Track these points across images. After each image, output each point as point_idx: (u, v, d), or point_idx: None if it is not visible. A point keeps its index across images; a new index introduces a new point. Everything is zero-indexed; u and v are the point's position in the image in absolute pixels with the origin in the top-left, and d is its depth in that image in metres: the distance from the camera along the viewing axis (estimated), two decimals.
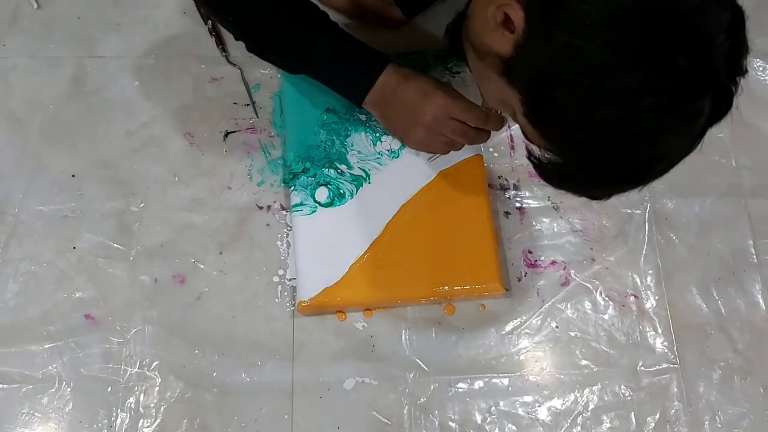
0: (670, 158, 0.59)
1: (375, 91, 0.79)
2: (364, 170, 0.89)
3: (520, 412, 0.83)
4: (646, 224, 0.93)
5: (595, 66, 0.53)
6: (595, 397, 0.84)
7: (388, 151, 0.90)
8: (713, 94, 0.54)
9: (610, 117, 0.54)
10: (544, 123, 0.59)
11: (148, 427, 0.79)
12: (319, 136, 0.90)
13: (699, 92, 0.53)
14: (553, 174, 0.62)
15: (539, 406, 0.83)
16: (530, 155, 0.63)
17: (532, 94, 0.59)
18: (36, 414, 0.79)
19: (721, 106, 0.56)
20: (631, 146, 0.57)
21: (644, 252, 0.91)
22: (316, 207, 0.87)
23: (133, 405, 0.80)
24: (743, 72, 0.56)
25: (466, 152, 0.89)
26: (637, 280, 0.90)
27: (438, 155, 0.87)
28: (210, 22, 0.98)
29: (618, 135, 0.56)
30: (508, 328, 0.86)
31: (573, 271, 0.90)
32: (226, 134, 0.93)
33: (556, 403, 0.83)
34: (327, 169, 0.89)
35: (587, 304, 0.88)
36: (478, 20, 0.66)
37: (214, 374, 0.82)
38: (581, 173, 0.61)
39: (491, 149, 0.95)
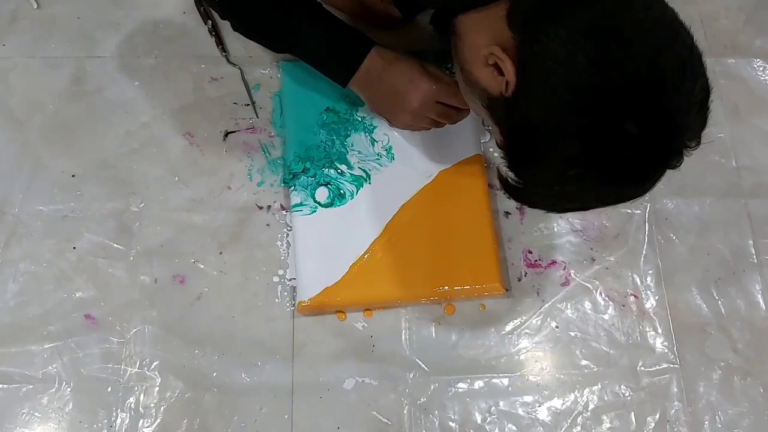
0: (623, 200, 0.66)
1: (360, 74, 0.80)
2: (364, 170, 0.89)
3: (520, 412, 0.83)
4: (646, 224, 0.93)
5: (559, 130, 0.57)
6: (595, 397, 0.84)
7: (387, 151, 0.90)
8: (665, 161, 0.58)
9: (568, 177, 0.58)
10: (517, 167, 0.63)
11: (148, 427, 0.79)
12: (319, 136, 0.90)
13: (653, 166, 0.58)
14: (514, 194, 0.65)
15: (539, 406, 0.83)
16: (498, 173, 0.66)
17: (510, 140, 0.63)
18: (36, 414, 0.79)
19: (668, 169, 0.59)
20: (584, 204, 0.65)
21: (644, 252, 0.91)
22: (316, 207, 0.87)
23: (133, 405, 0.80)
24: (699, 142, 0.60)
25: (466, 152, 0.89)
26: (637, 280, 0.90)
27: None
28: (210, 21, 0.98)
29: (573, 196, 0.61)
30: (508, 328, 0.86)
31: (573, 271, 0.90)
32: (226, 134, 0.93)
33: (556, 403, 0.83)
34: (327, 169, 0.89)
35: (587, 304, 0.88)
36: (468, 49, 0.68)
37: (214, 374, 0.82)
38: (540, 205, 0.67)
39: (491, 149, 0.95)
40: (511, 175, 0.63)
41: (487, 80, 0.64)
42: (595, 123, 0.54)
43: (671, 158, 0.57)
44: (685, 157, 0.58)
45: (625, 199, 0.64)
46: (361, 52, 0.79)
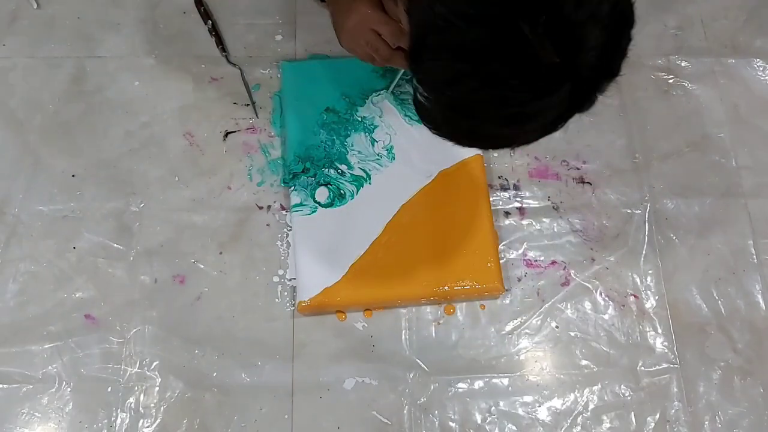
0: (520, 132, 0.59)
1: None
2: (364, 170, 0.89)
3: (520, 412, 0.83)
4: (646, 224, 0.93)
5: (456, 21, 0.53)
6: (595, 397, 0.84)
7: (388, 151, 0.90)
8: (572, 84, 0.53)
9: (458, 73, 0.55)
10: (414, 62, 0.59)
11: (148, 427, 0.79)
12: (319, 136, 0.90)
13: (552, 78, 0.52)
14: (424, 113, 0.62)
15: (539, 406, 0.83)
16: (415, 94, 0.63)
17: (414, 36, 0.59)
18: (36, 414, 0.79)
19: (580, 98, 0.55)
20: (481, 122, 0.58)
21: (644, 252, 0.91)
22: (316, 207, 0.87)
23: (133, 405, 0.80)
24: (613, 74, 0.54)
25: (466, 152, 0.89)
26: (637, 280, 0.90)
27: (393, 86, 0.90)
28: (210, 22, 0.98)
29: (460, 93, 0.56)
30: (508, 328, 0.86)
31: (573, 271, 0.90)
32: (226, 134, 0.93)
33: (556, 403, 0.83)
34: (327, 169, 0.89)
35: (587, 304, 0.88)
36: None
37: (214, 374, 0.82)
38: (444, 123, 0.62)
39: (491, 149, 0.95)
40: (420, 90, 0.60)
41: None
42: (488, 17, 0.51)
43: (572, 76, 0.52)
44: (598, 96, 0.54)
45: (525, 121, 0.56)
46: None
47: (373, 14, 0.78)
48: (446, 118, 0.61)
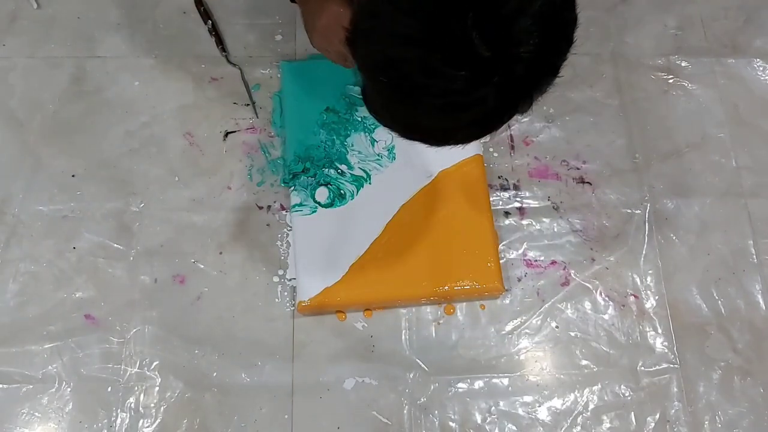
0: (455, 125, 0.58)
1: None
2: (364, 170, 0.89)
3: (520, 412, 0.83)
4: (646, 224, 0.93)
5: (389, 8, 0.54)
6: (595, 397, 0.84)
7: (389, 151, 0.90)
8: (499, 81, 0.52)
9: (390, 59, 0.55)
10: (353, 45, 0.59)
11: (148, 427, 0.79)
12: (319, 136, 0.90)
13: (482, 68, 0.51)
14: (368, 102, 0.63)
15: (539, 406, 0.83)
16: (363, 86, 0.63)
17: (353, 21, 0.59)
18: (36, 414, 0.79)
19: (513, 95, 0.54)
20: (408, 95, 0.56)
21: (644, 252, 0.91)
22: (316, 207, 0.87)
23: (133, 405, 0.80)
24: (550, 73, 0.54)
25: (466, 152, 0.89)
26: (637, 280, 0.90)
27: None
28: (210, 21, 0.98)
29: (394, 80, 0.56)
30: (508, 328, 0.86)
31: (573, 271, 0.90)
32: (226, 134, 0.93)
33: (556, 403, 0.83)
34: (327, 169, 0.89)
35: (587, 304, 0.88)
36: None
37: (214, 374, 0.82)
38: (383, 110, 0.62)
39: (491, 149, 0.95)
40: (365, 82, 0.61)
41: None
42: (419, 8, 0.51)
43: (503, 70, 0.51)
44: (535, 97, 0.54)
45: (458, 111, 0.55)
46: None
47: (345, 12, 0.77)
48: (384, 106, 0.61)
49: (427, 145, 0.66)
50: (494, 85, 0.52)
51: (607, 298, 0.89)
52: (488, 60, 0.50)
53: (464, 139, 0.60)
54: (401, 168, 0.89)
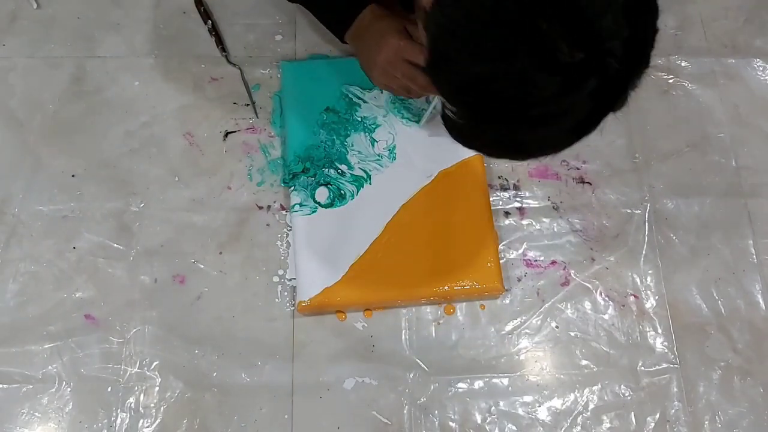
0: (550, 135, 0.57)
1: (353, 27, 0.81)
2: (365, 171, 0.89)
3: (520, 412, 0.83)
4: (646, 224, 0.93)
5: (474, 26, 0.52)
6: (595, 397, 0.84)
7: (390, 151, 0.90)
8: (599, 80, 0.51)
9: (481, 77, 0.54)
10: (436, 71, 0.59)
11: (148, 427, 0.79)
12: (319, 136, 0.90)
13: (577, 72, 0.51)
14: (452, 126, 0.62)
15: (539, 406, 0.83)
16: (443, 110, 0.62)
17: (431, 49, 0.58)
18: (36, 414, 0.79)
19: (609, 95, 0.53)
20: (500, 112, 0.56)
21: (644, 252, 0.91)
22: (316, 207, 0.87)
23: (133, 405, 0.80)
24: (643, 63, 0.53)
25: (466, 152, 0.89)
26: (637, 280, 0.90)
27: (426, 118, 0.89)
28: (210, 21, 0.98)
29: (485, 98, 0.55)
30: (508, 328, 0.86)
31: (573, 271, 0.90)
32: (226, 134, 0.93)
33: (556, 403, 0.83)
34: (327, 169, 0.89)
35: (587, 304, 0.88)
36: None
37: (214, 374, 0.82)
38: (473, 135, 0.61)
39: None
40: (446, 105, 0.60)
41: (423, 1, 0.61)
42: (504, 17, 0.50)
43: (597, 70, 0.51)
44: (628, 93, 0.53)
45: (552, 121, 0.55)
46: (356, 8, 0.81)
47: (405, 45, 0.77)
48: (474, 129, 0.60)
49: (516, 161, 0.64)
50: (589, 87, 0.51)
51: (607, 298, 0.89)
52: (580, 62, 0.49)
53: (559, 147, 0.58)
54: (401, 168, 0.89)
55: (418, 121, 0.91)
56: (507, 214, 0.92)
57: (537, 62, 0.50)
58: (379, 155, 0.90)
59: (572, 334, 0.86)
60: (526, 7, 0.49)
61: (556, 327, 0.87)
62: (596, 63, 0.50)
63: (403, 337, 0.85)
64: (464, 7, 0.53)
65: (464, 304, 0.87)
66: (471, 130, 0.61)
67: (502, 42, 0.51)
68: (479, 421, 0.82)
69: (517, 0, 0.50)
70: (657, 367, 0.86)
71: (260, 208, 0.89)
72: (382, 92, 0.93)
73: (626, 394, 0.84)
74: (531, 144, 0.59)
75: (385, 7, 0.81)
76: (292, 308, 0.85)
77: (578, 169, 0.95)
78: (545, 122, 0.54)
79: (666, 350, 0.86)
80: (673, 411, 0.84)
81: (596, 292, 0.89)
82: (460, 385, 0.83)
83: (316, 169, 0.89)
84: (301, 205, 0.87)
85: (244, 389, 0.81)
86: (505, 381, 0.84)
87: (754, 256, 0.92)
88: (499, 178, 0.94)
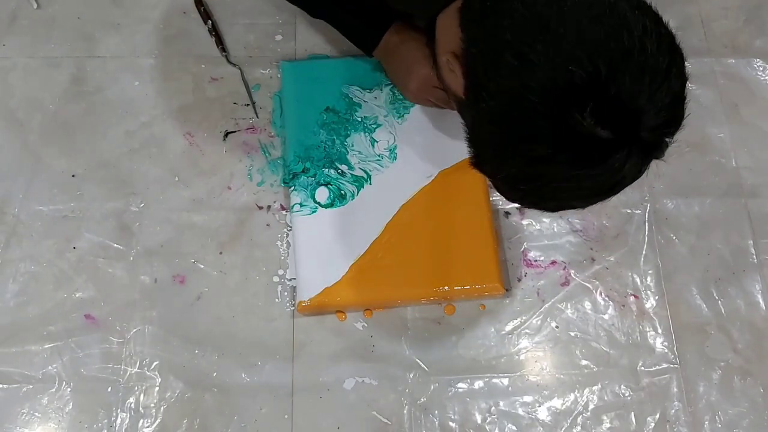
0: (600, 195, 0.59)
1: (381, 46, 0.86)
2: (365, 171, 0.89)
3: (520, 412, 0.83)
4: (646, 224, 0.93)
5: (507, 138, 0.56)
6: (595, 397, 0.84)
7: (391, 151, 0.90)
8: (634, 152, 0.54)
9: (527, 177, 0.57)
10: (479, 165, 0.63)
11: (148, 427, 0.79)
12: (319, 136, 0.90)
13: (612, 153, 0.53)
14: (508, 197, 0.66)
15: (539, 406, 0.83)
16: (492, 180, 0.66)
17: (471, 140, 0.63)
18: (36, 414, 0.79)
19: (648, 155, 0.56)
20: (543, 200, 0.61)
21: (644, 252, 0.91)
22: (316, 207, 0.87)
23: (133, 405, 0.80)
24: (677, 126, 0.55)
25: (466, 152, 0.89)
26: (637, 280, 0.90)
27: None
28: (210, 21, 0.98)
29: (536, 188, 0.58)
30: (508, 328, 0.86)
31: (573, 271, 0.90)
32: (226, 134, 0.93)
33: (556, 403, 0.83)
34: (327, 169, 0.89)
35: (587, 304, 0.88)
36: (438, 53, 0.71)
37: (214, 374, 0.82)
38: (528, 204, 0.67)
39: None
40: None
41: (452, 83, 0.65)
42: (535, 124, 0.53)
43: (634, 142, 0.53)
44: (667, 145, 0.55)
45: (602, 193, 0.58)
46: (381, 27, 0.84)
47: (434, 75, 0.80)
48: (530, 202, 0.64)
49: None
50: (633, 158, 0.53)
51: (607, 298, 0.89)
52: (618, 142, 0.52)
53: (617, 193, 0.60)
54: (401, 168, 0.89)
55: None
56: (507, 214, 0.92)
57: (577, 162, 0.53)
58: (379, 155, 0.90)
59: (572, 334, 0.86)
60: (555, 111, 0.51)
61: (556, 327, 0.87)
62: (634, 140, 0.52)
63: (403, 337, 0.85)
64: (494, 119, 0.56)
65: (464, 304, 0.87)
66: (526, 204, 0.68)
67: (539, 151, 0.53)
68: (479, 421, 0.82)
69: (543, 106, 0.51)
70: (657, 367, 0.86)
71: (260, 208, 0.89)
72: (382, 92, 0.93)
73: (626, 394, 0.84)
74: (586, 205, 0.62)
75: (406, 23, 0.85)
76: (292, 308, 0.85)
77: None
78: (597, 194, 0.58)
79: (666, 350, 0.86)
80: (673, 411, 0.84)
81: (596, 292, 0.89)
82: (460, 385, 0.83)
83: (316, 169, 0.89)
84: (301, 205, 0.87)
85: (244, 389, 0.81)
86: (505, 381, 0.84)
87: (754, 256, 0.92)
88: None
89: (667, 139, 0.54)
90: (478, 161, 0.62)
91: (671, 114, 0.53)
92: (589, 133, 0.51)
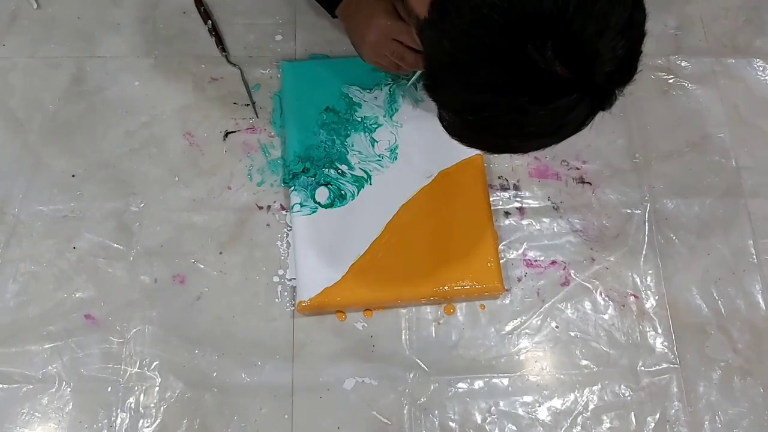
0: (547, 141, 0.59)
1: (343, 4, 0.83)
2: (365, 171, 0.89)
3: (520, 412, 0.83)
4: (646, 224, 0.93)
5: (466, 59, 0.55)
6: (595, 397, 0.84)
7: (392, 151, 0.90)
8: (585, 96, 0.54)
9: (476, 105, 0.56)
10: (431, 90, 0.62)
11: (148, 427, 0.79)
12: (319, 136, 0.90)
13: (565, 94, 0.53)
14: (450, 130, 0.64)
15: (539, 406, 0.83)
16: (438, 110, 0.65)
17: (428, 63, 0.61)
18: (36, 414, 0.79)
19: (599, 102, 0.56)
20: (483, 135, 0.60)
21: (644, 252, 0.91)
22: (316, 207, 0.87)
23: (133, 405, 0.80)
24: (630, 77, 0.55)
25: (466, 152, 0.89)
26: (637, 280, 0.90)
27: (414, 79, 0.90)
28: (210, 21, 0.98)
29: (482, 119, 0.58)
30: (508, 328, 0.86)
31: (573, 271, 0.90)
32: (226, 134, 0.93)
33: (556, 403, 0.83)
34: (327, 169, 0.89)
35: (587, 304, 0.88)
36: None
37: (214, 374, 0.82)
38: (469, 139, 0.64)
39: None
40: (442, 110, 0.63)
41: (417, 4, 0.65)
42: (497, 50, 0.52)
43: (587, 86, 0.53)
44: (615, 98, 0.55)
45: (548, 135, 0.58)
46: None
47: (393, 25, 0.79)
48: (470, 136, 0.63)
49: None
50: (583, 105, 0.54)
51: (607, 298, 0.89)
52: (572, 83, 0.52)
53: (557, 142, 0.60)
54: (401, 168, 0.89)
55: (407, 82, 0.93)
56: (507, 214, 0.92)
57: (532, 92, 0.53)
58: (379, 155, 0.90)
59: (572, 334, 0.87)
60: (517, 37, 0.51)
61: (556, 327, 0.87)
62: (589, 83, 0.52)
63: (403, 337, 0.85)
64: (456, 39, 0.55)
65: (464, 304, 0.87)
66: (467, 136, 0.63)
67: (495, 76, 0.53)
68: (479, 421, 0.82)
69: (508, 30, 0.51)
70: (657, 367, 0.86)
71: (260, 208, 0.89)
72: (382, 92, 0.93)
73: (626, 394, 0.84)
74: (529, 147, 0.63)
75: None
76: (292, 308, 0.85)
77: (578, 169, 0.95)
78: (541, 136, 0.58)
79: (666, 350, 0.86)
80: (673, 411, 0.84)
81: (596, 292, 0.89)
82: (460, 385, 0.83)
83: (316, 169, 0.89)
84: (301, 205, 0.87)
85: (244, 389, 0.81)
86: (505, 381, 0.84)
87: (754, 256, 0.92)
88: (499, 178, 0.94)
89: (617, 91, 0.55)
90: (432, 85, 0.61)
91: (626, 64, 0.53)
92: (546, 67, 0.51)
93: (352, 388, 0.82)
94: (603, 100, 0.55)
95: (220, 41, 0.97)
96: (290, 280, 0.86)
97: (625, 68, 0.54)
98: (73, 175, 0.90)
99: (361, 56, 0.85)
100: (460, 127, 0.62)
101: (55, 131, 0.92)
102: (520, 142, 0.60)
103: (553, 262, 0.90)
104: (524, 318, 0.87)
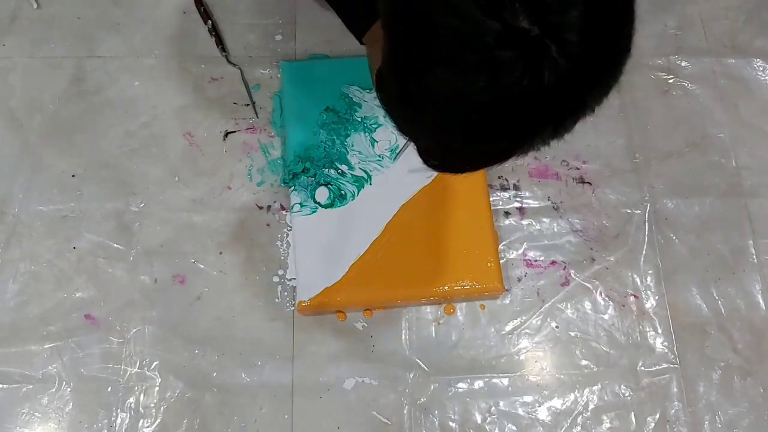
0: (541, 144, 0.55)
1: (371, 31, 0.81)
2: (365, 171, 0.89)
3: (520, 412, 0.83)
4: (646, 224, 0.93)
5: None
6: (595, 397, 0.84)
7: (392, 151, 0.90)
8: (566, 61, 0.48)
9: (428, 50, 0.51)
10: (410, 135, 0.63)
11: (148, 427, 0.79)
12: (319, 136, 0.90)
13: (535, 50, 0.47)
14: (429, 159, 0.65)
15: (539, 406, 0.83)
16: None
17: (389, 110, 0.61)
18: (36, 414, 0.79)
19: (569, 82, 0.49)
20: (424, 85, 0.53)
21: (644, 252, 0.91)
22: (316, 207, 0.87)
23: (133, 405, 0.80)
24: (613, 45, 0.51)
25: None
26: (637, 280, 0.90)
27: (401, 152, 0.89)
28: (210, 21, 0.98)
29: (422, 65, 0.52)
30: (508, 328, 0.86)
31: (573, 271, 0.90)
32: (226, 134, 0.93)
33: (556, 403, 0.83)
34: (327, 169, 0.89)
35: (587, 304, 0.88)
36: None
37: (214, 374, 0.82)
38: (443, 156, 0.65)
39: None
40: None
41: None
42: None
43: (553, 39, 0.47)
44: (609, 83, 0.51)
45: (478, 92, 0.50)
46: (374, 16, 0.79)
47: None
48: (445, 148, 0.64)
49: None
50: (554, 70, 0.47)
51: (607, 298, 0.89)
52: (537, 36, 0.46)
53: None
54: (401, 168, 0.89)
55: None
56: (507, 214, 0.92)
57: (498, 40, 0.47)
58: (379, 155, 0.90)
59: (572, 334, 0.87)
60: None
61: (556, 327, 0.87)
62: (554, 36, 0.47)
63: (403, 337, 0.85)
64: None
65: (464, 304, 0.87)
66: (444, 149, 0.63)
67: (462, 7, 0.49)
68: (479, 421, 0.82)
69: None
70: (657, 367, 0.86)
71: (260, 208, 0.89)
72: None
73: (626, 394, 0.84)
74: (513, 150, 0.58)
75: None
76: (292, 308, 0.85)
77: (578, 169, 0.95)
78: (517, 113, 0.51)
79: (666, 350, 0.86)
80: (673, 411, 0.84)
81: (596, 292, 0.89)
82: (460, 385, 0.83)
83: (316, 169, 0.89)
84: (301, 205, 0.87)
85: (244, 389, 0.81)
86: (505, 381, 0.84)
87: (754, 256, 0.92)
88: (499, 178, 0.94)
89: (610, 79, 0.51)
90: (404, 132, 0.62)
91: (606, 28, 0.50)
92: (511, 17, 0.46)
93: (352, 388, 0.82)
94: (582, 78, 0.49)
95: (220, 41, 0.97)
96: (290, 280, 0.86)
97: (597, 30, 0.49)
98: (73, 175, 0.90)
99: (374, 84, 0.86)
100: (403, 78, 0.56)
101: (55, 131, 0.92)
102: (460, 105, 0.51)
103: (553, 262, 0.90)
104: (524, 318, 0.87)
